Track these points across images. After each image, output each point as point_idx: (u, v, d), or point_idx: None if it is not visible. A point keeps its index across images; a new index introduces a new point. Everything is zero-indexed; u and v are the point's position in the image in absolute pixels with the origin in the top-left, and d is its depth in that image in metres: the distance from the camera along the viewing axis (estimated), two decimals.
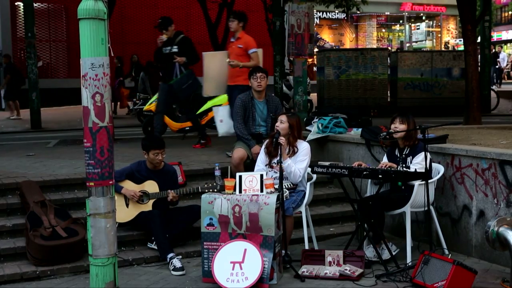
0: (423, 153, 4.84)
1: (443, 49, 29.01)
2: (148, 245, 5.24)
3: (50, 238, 4.87)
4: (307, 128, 6.94)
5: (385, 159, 5.27)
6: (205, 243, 4.66)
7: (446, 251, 5.07)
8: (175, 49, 7.66)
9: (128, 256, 5.09)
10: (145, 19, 19.72)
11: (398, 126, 5.09)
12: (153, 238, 5.15)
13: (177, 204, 5.40)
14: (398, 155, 5.17)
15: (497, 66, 21.96)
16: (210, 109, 9.25)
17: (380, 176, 4.83)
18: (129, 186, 5.31)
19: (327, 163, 5.10)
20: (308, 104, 10.54)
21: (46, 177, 5.99)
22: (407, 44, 32.30)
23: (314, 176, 5.35)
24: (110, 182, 3.74)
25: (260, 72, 6.05)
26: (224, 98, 9.35)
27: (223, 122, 7.32)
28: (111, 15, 13.09)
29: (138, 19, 20.32)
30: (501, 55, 23.40)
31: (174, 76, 7.73)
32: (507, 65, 24.50)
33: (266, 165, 5.29)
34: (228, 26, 7.21)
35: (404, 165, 5.05)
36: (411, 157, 5.07)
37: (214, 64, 7.29)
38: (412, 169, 4.89)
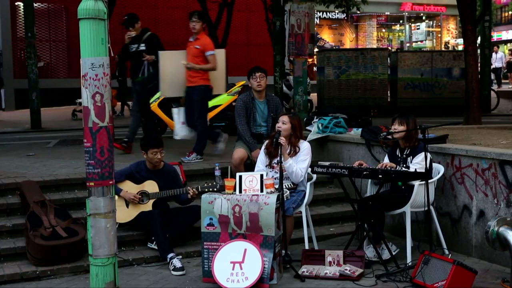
0: (423, 153, 4.85)
1: (443, 49, 29.01)
2: (148, 245, 5.24)
3: (50, 238, 4.87)
4: (307, 128, 6.94)
5: (386, 159, 5.28)
6: (205, 243, 4.66)
7: (446, 251, 5.07)
8: (142, 47, 7.40)
9: (128, 256, 5.09)
10: (145, 19, 19.71)
11: (397, 128, 5.10)
12: (153, 238, 5.15)
13: (192, 201, 5.37)
14: (399, 155, 5.18)
15: (493, 67, 21.90)
16: (210, 109, 9.25)
17: (380, 176, 4.83)
18: (128, 186, 5.31)
19: (327, 163, 5.10)
20: (308, 104, 10.55)
21: (46, 177, 5.99)
22: (407, 44, 32.31)
23: (314, 176, 5.35)
24: (110, 182, 3.74)
25: (259, 72, 6.02)
26: (224, 98, 9.36)
27: (185, 125, 7.10)
28: (111, 15, 13.09)
29: None
30: (498, 55, 23.31)
31: (140, 74, 7.47)
32: (505, 66, 24.42)
33: (266, 166, 5.30)
34: (191, 27, 6.85)
35: (404, 165, 5.06)
36: (411, 157, 5.07)
37: (170, 64, 6.98)
38: (412, 169, 4.90)
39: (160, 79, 7.09)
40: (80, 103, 14.55)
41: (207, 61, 6.83)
